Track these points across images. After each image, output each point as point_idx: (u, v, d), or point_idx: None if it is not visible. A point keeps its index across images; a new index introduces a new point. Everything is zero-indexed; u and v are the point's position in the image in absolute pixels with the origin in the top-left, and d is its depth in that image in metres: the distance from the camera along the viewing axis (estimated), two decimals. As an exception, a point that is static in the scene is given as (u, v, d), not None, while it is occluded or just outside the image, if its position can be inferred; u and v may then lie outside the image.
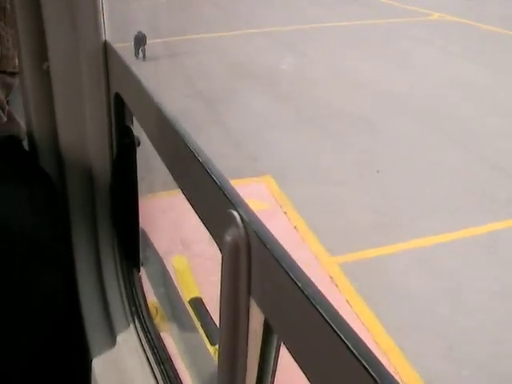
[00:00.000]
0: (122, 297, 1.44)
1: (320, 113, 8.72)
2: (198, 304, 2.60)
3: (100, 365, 1.39)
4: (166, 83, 9.21)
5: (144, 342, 1.39)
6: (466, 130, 8.15)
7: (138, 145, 1.25)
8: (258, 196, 6.13)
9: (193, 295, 2.68)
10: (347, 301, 4.76)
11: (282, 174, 6.85)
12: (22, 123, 1.41)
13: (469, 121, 8.38)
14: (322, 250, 5.46)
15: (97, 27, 1.23)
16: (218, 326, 0.73)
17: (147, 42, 10.58)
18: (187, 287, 2.75)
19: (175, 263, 2.85)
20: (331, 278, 5.07)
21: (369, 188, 6.72)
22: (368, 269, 5.27)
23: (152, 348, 1.37)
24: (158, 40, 11.45)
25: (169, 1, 14.81)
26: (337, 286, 4.95)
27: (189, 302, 2.60)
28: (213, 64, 10.97)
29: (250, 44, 12.11)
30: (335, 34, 13.19)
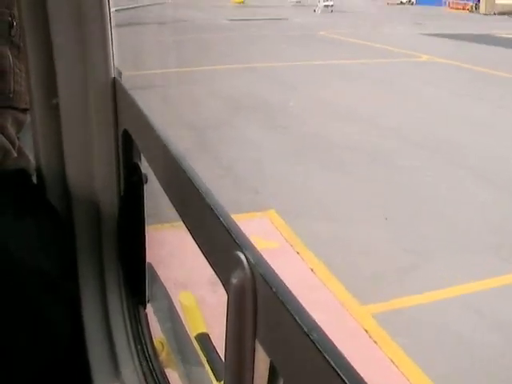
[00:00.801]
0: (127, 334, 1.43)
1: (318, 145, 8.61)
2: (204, 340, 2.59)
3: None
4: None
5: (149, 380, 1.37)
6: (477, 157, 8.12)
7: (146, 182, 1.25)
8: (264, 233, 5.66)
9: (200, 331, 2.66)
10: (391, 360, 4.01)
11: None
12: (32, 158, 1.42)
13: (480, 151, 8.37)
14: (348, 298, 4.81)
15: (106, 64, 1.25)
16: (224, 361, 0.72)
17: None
18: (194, 323, 2.73)
19: (182, 299, 2.84)
20: (366, 331, 4.34)
21: (388, 224, 6.26)
22: (409, 320, 4.57)
23: None
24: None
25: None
26: (375, 342, 4.22)
27: (195, 338, 2.59)
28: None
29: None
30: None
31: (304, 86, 12.29)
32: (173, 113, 9.80)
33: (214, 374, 2.33)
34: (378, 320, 4.48)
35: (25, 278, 1.23)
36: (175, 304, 2.44)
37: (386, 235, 5.96)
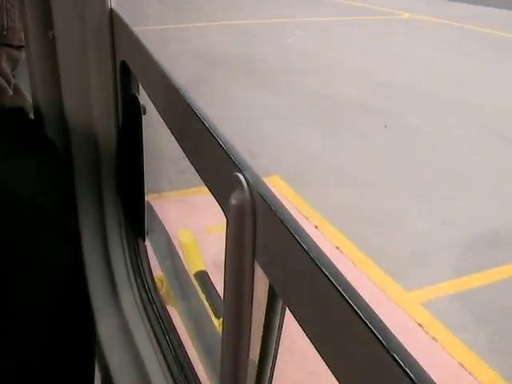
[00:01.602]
0: (127, 266, 1.45)
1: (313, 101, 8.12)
2: (203, 277, 2.62)
3: (106, 334, 1.40)
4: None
5: (149, 311, 1.39)
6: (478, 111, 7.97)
7: (144, 113, 1.25)
8: None
9: (198, 269, 2.69)
10: (461, 365, 3.40)
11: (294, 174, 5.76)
12: (29, 97, 1.41)
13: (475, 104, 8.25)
14: (389, 282, 4.14)
15: None
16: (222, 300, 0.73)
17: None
18: (193, 261, 2.75)
19: (181, 237, 2.86)
20: (421, 326, 3.72)
21: (413, 187, 5.55)
22: (469, 307, 3.91)
23: (157, 318, 1.37)
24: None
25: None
26: (435, 339, 3.60)
27: (194, 276, 2.62)
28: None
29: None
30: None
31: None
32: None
33: (213, 312, 2.37)
34: (429, 309, 3.88)
35: (24, 213, 1.24)
36: (174, 242, 2.46)
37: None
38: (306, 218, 4.83)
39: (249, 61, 9.82)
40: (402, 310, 3.86)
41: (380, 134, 7.01)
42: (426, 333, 3.66)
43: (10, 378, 1.28)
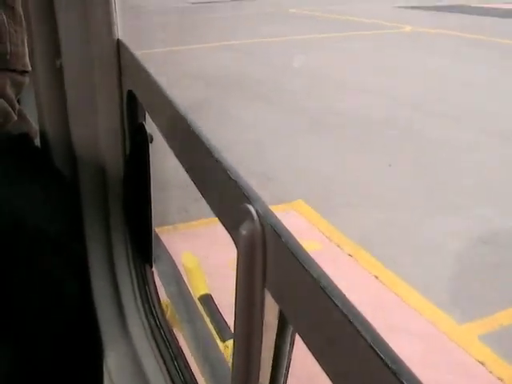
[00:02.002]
0: (134, 293, 1.46)
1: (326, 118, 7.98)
2: (207, 301, 2.63)
3: (114, 360, 1.41)
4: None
5: (157, 337, 1.40)
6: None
7: (151, 141, 1.26)
8: (298, 231, 4.43)
9: (203, 292, 2.69)
10: None
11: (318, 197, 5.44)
12: (34, 122, 1.43)
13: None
14: (438, 314, 3.75)
15: (110, 25, 1.25)
16: (227, 322, 0.74)
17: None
18: (197, 285, 2.76)
19: (185, 261, 2.86)
20: (482, 364, 3.32)
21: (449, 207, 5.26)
22: None
23: (165, 344, 1.38)
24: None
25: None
26: (501, 380, 3.22)
27: (199, 299, 2.62)
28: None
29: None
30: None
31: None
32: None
33: (218, 334, 2.37)
34: (489, 344, 3.51)
35: (33, 241, 1.25)
36: (178, 267, 2.46)
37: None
38: (338, 246, 4.54)
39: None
40: (456, 344, 3.51)
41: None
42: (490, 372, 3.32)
43: None
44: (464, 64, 11.39)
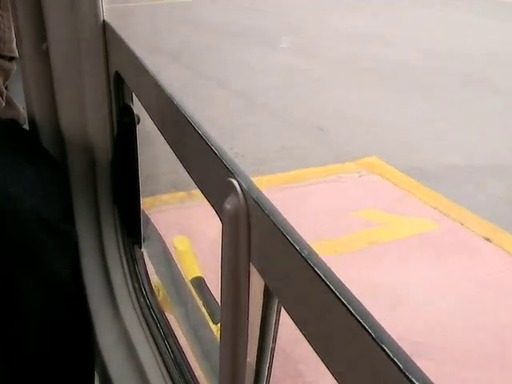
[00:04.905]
0: (124, 273, 1.46)
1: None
2: (199, 283, 2.64)
3: (104, 340, 1.42)
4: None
5: (148, 317, 1.41)
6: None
7: (138, 122, 1.27)
8: (388, 202, 3.63)
9: (194, 275, 2.70)
10: None
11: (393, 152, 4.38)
12: (22, 109, 1.43)
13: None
14: None
15: (95, 6, 1.24)
16: (220, 305, 0.75)
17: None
18: (189, 267, 2.77)
19: (176, 243, 2.87)
20: None
21: None
22: None
23: (155, 323, 1.39)
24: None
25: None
26: None
27: (191, 282, 2.63)
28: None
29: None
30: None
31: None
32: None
33: (211, 317, 2.38)
34: None
35: (27, 223, 1.25)
36: (169, 249, 2.47)
37: None
38: (462, 224, 3.54)
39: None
40: None
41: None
42: None
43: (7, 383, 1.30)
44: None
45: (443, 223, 3.50)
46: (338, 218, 3.59)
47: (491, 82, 6.84)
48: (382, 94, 6.28)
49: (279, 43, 9.15)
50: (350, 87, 6.54)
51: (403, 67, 7.48)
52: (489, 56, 8.19)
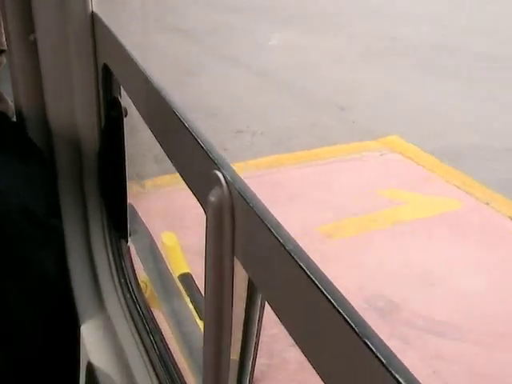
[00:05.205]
0: (110, 267, 1.45)
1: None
2: (187, 280, 2.63)
3: (90, 335, 1.41)
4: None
5: (133, 312, 1.40)
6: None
7: (126, 115, 1.26)
8: (414, 181, 3.61)
9: (182, 271, 2.70)
10: None
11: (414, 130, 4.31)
12: (10, 102, 1.42)
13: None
14: None
15: None
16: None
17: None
18: (176, 263, 2.77)
19: (165, 239, 2.87)
20: None
21: None
22: None
23: (141, 318, 1.38)
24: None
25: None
26: None
27: (178, 278, 2.63)
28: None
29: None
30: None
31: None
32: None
33: (198, 313, 2.38)
34: None
35: (16, 217, 1.25)
36: (157, 244, 2.47)
37: None
38: (488, 204, 3.46)
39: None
40: None
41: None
42: None
43: None
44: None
45: (467, 202, 3.50)
46: (362, 195, 3.59)
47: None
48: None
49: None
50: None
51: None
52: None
